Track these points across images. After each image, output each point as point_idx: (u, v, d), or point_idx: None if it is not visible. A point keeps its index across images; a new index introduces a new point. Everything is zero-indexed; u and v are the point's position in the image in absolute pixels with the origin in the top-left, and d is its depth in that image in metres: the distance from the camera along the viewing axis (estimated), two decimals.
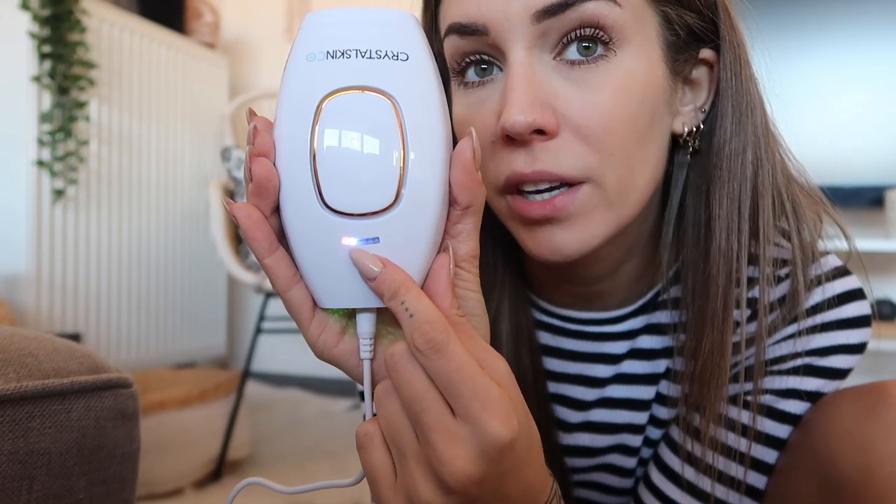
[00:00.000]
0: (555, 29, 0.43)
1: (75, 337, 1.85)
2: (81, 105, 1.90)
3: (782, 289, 0.51)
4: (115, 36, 2.07)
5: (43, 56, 1.81)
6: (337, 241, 0.33)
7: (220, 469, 1.66)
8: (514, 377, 0.35)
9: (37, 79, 1.80)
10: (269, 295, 1.82)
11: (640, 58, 0.44)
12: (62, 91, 1.85)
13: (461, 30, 0.45)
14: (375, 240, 0.33)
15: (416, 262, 0.35)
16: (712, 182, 0.49)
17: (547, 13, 0.42)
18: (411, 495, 0.33)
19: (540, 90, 0.43)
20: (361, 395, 0.59)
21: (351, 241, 0.33)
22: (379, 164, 0.33)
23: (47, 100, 1.84)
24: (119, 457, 0.51)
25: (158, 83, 2.24)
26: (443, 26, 0.47)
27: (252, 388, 2.46)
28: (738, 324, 0.50)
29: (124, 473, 0.52)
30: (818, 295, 0.51)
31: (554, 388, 0.60)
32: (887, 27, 1.96)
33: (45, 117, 1.83)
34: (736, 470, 0.52)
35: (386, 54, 0.33)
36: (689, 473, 0.53)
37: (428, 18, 0.52)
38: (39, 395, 0.45)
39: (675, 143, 0.51)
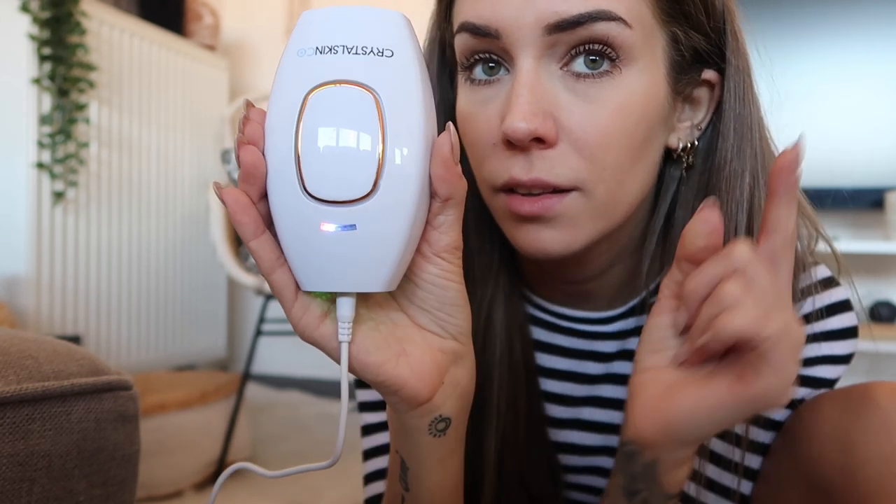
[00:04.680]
0: (564, 42, 0.44)
1: (75, 339, 1.84)
2: (81, 107, 1.90)
3: None
4: (115, 38, 2.07)
5: (43, 58, 1.81)
6: (317, 227, 0.35)
7: (220, 471, 1.66)
8: None
9: (37, 81, 1.80)
10: (269, 297, 1.82)
11: (643, 77, 0.45)
12: (62, 93, 1.85)
13: (474, 30, 0.46)
14: (353, 227, 0.35)
15: (392, 250, 0.36)
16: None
17: (558, 28, 0.43)
18: (771, 301, 0.35)
19: (543, 100, 0.44)
20: (358, 383, 0.59)
21: (329, 228, 0.35)
22: (358, 154, 0.34)
23: (47, 102, 1.84)
24: (119, 459, 0.51)
25: (158, 85, 2.25)
26: (456, 20, 0.48)
27: (252, 390, 2.46)
28: None
29: (124, 475, 0.52)
30: (805, 307, 0.52)
31: (544, 383, 0.61)
32: (887, 27, 1.96)
33: (44, 119, 1.83)
34: (731, 479, 0.53)
35: (371, 50, 0.35)
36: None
37: (442, 9, 0.53)
38: (39, 398, 0.45)
39: (669, 156, 0.52)
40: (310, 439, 1.98)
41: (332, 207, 0.34)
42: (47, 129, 1.84)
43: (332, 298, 0.39)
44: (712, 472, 0.53)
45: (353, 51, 0.35)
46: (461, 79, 0.49)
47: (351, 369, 0.39)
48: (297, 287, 0.38)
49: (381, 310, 0.40)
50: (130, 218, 2.15)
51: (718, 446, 0.53)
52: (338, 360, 0.38)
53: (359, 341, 0.38)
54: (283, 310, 0.38)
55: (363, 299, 0.39)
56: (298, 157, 0.34)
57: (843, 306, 0.53)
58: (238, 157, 0.35)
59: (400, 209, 0.35)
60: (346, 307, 0.37)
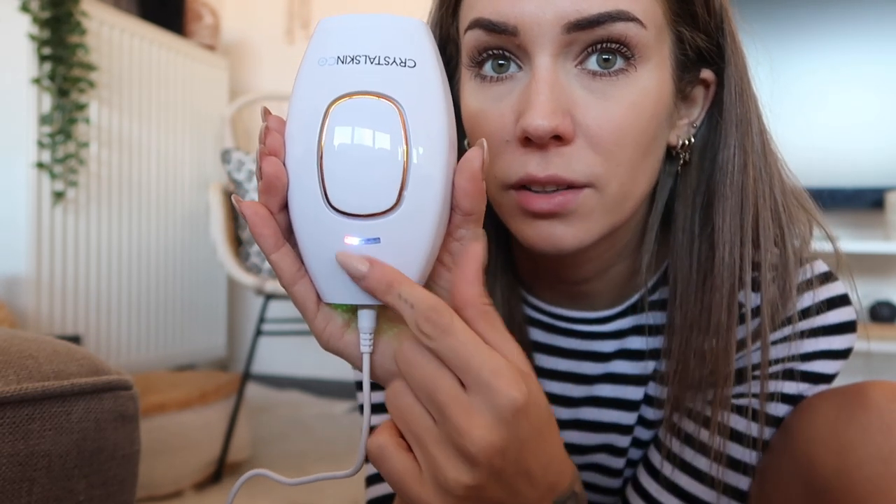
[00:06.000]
0: (581, 40, 0.44)
1: (75, 339, 1.84)
2: (81, 107, 1.90)
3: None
4: (115, 38, 2.07)
5: (43, 58, 1.81)
6: (340, 240, 0.35)
7: (221, 471, 1.66)
8: (530, 365, 0.36)
9: (37, 81, 1.80)
10: (269, 297, 1.82)
11: (654, 75, 0.46)
12: (62, 93, 1.85)
13: (490, 26, 0.46)
14: (376, 240, 0.34)
15: (416, 263, 0.36)
16: (715, 197, 0.50)
17: (577, 26, 0.44)
18: (439, 480, 0.34)
19: (562, 97, 0.44)
20: (358, 384, 0.60)
21: (353, 241, 0.35)
22: (382, 167, 0.34)
23: (47, 102, 1.84)
24: (119, 459, 0.51)
25: (158, 85, 2.25)
26: (467, 14, 0.48)
27: (252, 389, 2.46)
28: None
29: (124, 475, 0.52)
30: (804, 301, 0.52)
31: (544, 385, 0.61)
32: (887, 27, 1.96)
33: (45, 119, 1.83)
34: (723, 471, 0.53)
35: (394, 61, 0.34)
36: (678, 476, 0.54)
37: (447, 5, 0.52)
38: (39, 398, 0.45)
39: (666, 153, 0.52)
40: (310, 439, 1.98)
41: (356, 221, 0.34)
42: (47, 129, 1.84)
43: (352, 308, 0.39)
44: (706, 464, 0.53)
45: (376, 61, 0.34)
46: (468, 74, 0.49)
47: (374, 377, 0.39)
48: (319, 298, 0.38)
49: (401, 319, 0.40)
50: (130, 218, 2.15)
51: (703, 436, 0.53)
52: (361, 370, 0.39)
53: (381, 350, 0.39)
54: (306, 321, 0.39)
55: (384, 309, 0.39)
56: (322, 170, 0.34)
57: (842, 300, 0.53)
58: (260, 168, 0.34)
59: (423, 222, 0.35)
60: (367, 319, 0.37)
